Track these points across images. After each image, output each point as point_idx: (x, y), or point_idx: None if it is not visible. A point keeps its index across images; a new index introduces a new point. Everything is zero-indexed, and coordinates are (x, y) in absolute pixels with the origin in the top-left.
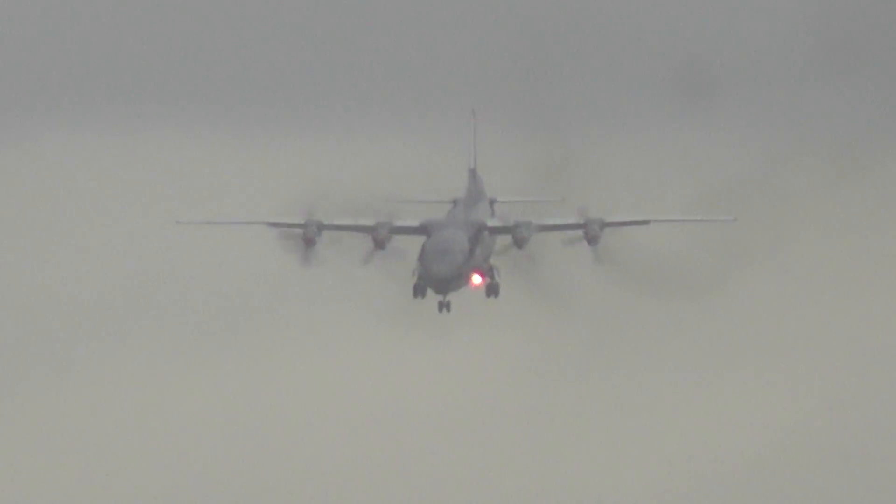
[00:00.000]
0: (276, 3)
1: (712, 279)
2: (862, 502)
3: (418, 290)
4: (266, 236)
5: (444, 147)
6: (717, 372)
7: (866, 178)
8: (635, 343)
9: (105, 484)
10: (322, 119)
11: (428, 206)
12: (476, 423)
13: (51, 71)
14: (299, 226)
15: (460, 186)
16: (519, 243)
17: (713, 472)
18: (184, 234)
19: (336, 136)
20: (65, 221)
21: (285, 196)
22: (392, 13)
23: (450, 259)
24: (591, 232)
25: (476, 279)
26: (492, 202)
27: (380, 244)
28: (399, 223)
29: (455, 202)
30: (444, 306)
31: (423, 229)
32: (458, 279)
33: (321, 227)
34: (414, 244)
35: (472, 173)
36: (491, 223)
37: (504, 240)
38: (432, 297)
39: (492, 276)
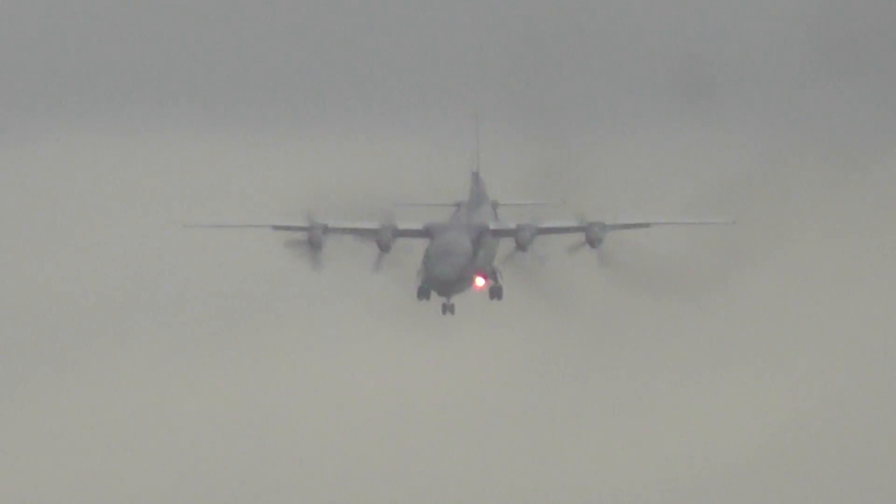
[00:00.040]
0: (281, 8)
1: (712, 280)
2: (859, 500)
3: (422, 293)
4: (271, 239)
5: (448, 150)
6: (717, 372)
7: (865, 180)
8: (636, 344)
9: (117, 482)
10: (326, 123)
11: (431, 209)
12: (479, 423)
13: (57, 73)
14: (304, 229)
15: (463, 189)
16: (521, 246)
17: (713, 470)
18: (190, 237)
19: (340, 140)
20: (71, 224)
21: (290, 199)
22: (396, 20)
23: (453, 262)
24: (592, 235)
25: (479, 281)
26: (494, 205)
27: (384, 247)
28: (403, 226)
29: (458, 205)
30: (447, 308)
31: (426, 232)
32: (461, 281)
33: (326, 231)
34: (417, 247)
35: (475, 176)
36: (494, 226)
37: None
38: (436, 300)
39: (495, 279)
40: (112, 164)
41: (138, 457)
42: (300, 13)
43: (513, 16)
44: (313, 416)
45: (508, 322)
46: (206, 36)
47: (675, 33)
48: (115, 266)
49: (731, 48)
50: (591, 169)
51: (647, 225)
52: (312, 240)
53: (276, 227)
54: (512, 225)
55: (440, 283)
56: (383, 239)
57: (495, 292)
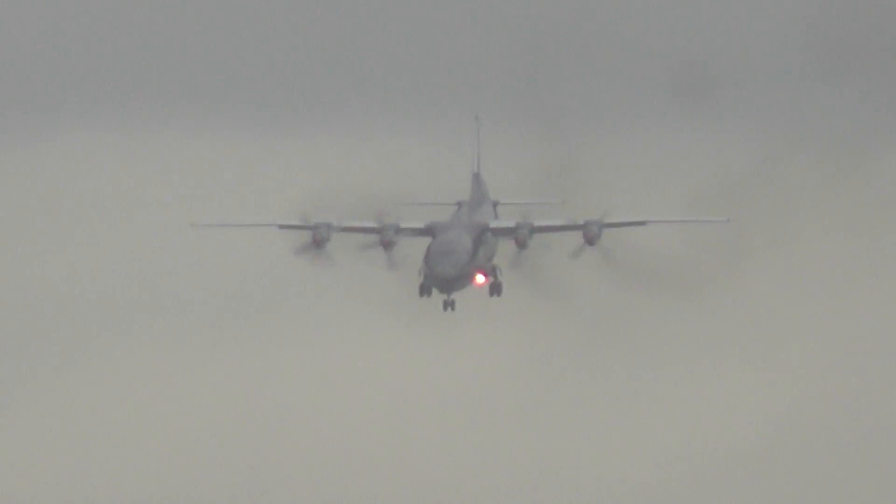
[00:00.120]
0: (288, 11)
1: (707, 278)
2: (852, 491)
3: (424, 290)
4: (277, 238)
5: (449, 151)
6: (712, 367)
7: (859, 179)
8: (633, 339)
9: (127, 475)
10: (331, 124)
11: (433, 208)
12: (479, 417)
13: (64, 74)
14: (309, 228)
15: (464, 189)
16: (521, 244)
17: (709, 463)
18: (197, 236)
19: (344, 141)
20: (79, 223)
21: (296, 199)
22: (399, 24)
23: (454, 259)
24: (590, 233)
25: (479, 279)
26: (495, 204)
27: (387, 245)
28: (405, 225)
29: (459, 204)
30: (448, 305)
31: (428, 231)
32: (462, 279)
33: (330, 230)
34: (420, 245)
35: (476, 176)
36: (494, 225)
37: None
38: (438, 296)
39: (495, 276)
40: (120, 164)
41: (147, 451)
42: (307, 16)
43: (513, 18)
44: (318, 410)
45: (508, 318)
46: (214, 38)
47: (671, 34)
48: (123, 265)
49: (727, 48)
50: (590, 169)
51: (643, 223)
52: (316, 239)
53: (282, 227)
54: (511, 224)
55: (441, 281)
56: (386, 238)
57: (495, 289)
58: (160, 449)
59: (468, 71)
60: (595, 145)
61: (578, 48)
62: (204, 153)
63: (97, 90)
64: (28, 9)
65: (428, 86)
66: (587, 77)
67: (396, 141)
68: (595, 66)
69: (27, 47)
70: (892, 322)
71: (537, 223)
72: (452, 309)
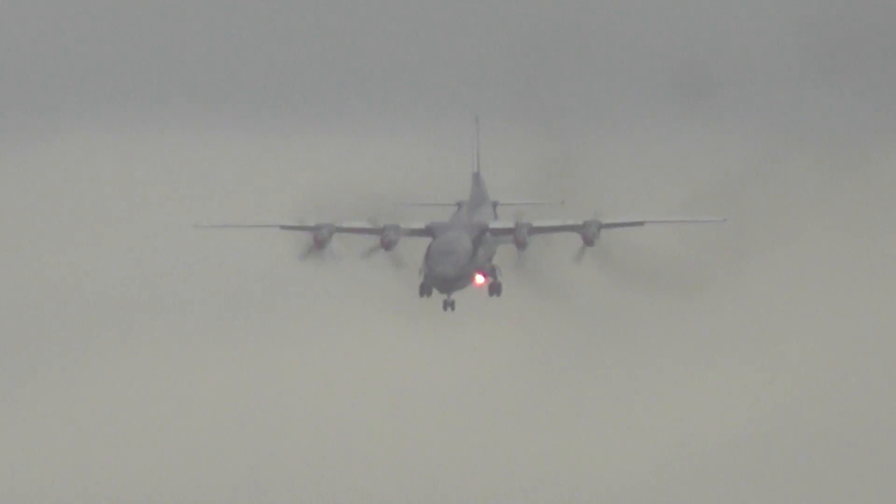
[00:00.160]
0: (286, 11)
1: (704, 277)
2: (853, 491)
3: (424, 290)
4: (279, 239)
5: (449, 152)
6: (711, 365)
7: (857, 179)
8: (630, 338)
9: (133, 474)
10: (331, 125)
11: (433, 208)
12: (479, 415)
13: (67, 75)
14: (311, 229)
15: (464, 190)
16: (520, 244)
17: (707, 460)
18: (201, 237)
19: (344, 142)
20: (84, 223)
21: (298, 200)
22: (400, 25)
23: (454, 260)
24: (588, 233)
25: (479, 279)
26: (494, 205)
27: (387, 245)
28: (406, 225)
29: (459, 205)
30: (448, 304)
31: (428, 231)
32: (461, 279)
33: (332, 230)
34: (420, 245)
35: (476, 177)
36: (493, 225)
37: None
38: (437, 296)
39: (494, 276)
40: (122, 164)
41: (152, 451)
42: (307, 16)
43: (513, 18)
44: (319, 409)
45: (507, 317)
46: (214, 38)
47: (671, 34)
48: (126, 265)
49: (726, 49)
50: (588, 170)
51: (641, 223)
52: (318, 239)
53: (285, 227)
54: (511, 224)
55: (441, 281)
56: (387, 238)
57: (494, 289)
58: (164, 449)
59: (468, 71)
60: (594, 145)
61: (578, 48)
62: (205, 154)
63: (98, 90)
64: (28, 9)
65: (428, 86)
66: (587, 77)
67: (397, 141)
68: (595, 65)
69: (27, 47)
70: (889, 321)
71: (536, 223)
72: (452, 309)
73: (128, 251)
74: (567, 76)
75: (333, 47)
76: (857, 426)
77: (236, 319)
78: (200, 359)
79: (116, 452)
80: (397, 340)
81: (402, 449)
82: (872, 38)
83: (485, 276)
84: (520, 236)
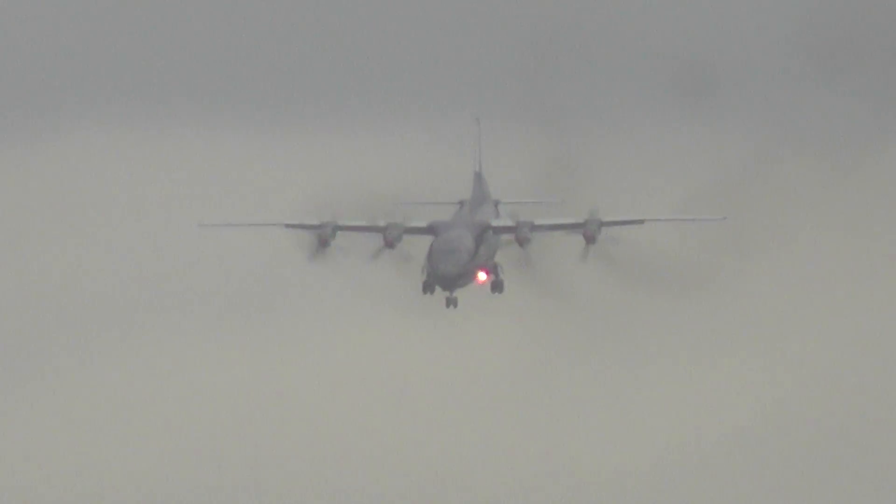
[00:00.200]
0: (286, 11)
1: (704, 275)
2: (853, 488)
3: (427, 287)
4: (284, 237)
5: (451, 151)
6: (708, 362)
7: (856, 178)
8: (632, 336)
9: (136, 473)
10: (333, 125)
11: (435, 207)
12: (481, 412)
13: (72, 74)
14: (315, 227)
15: (466, 188)
16: (521, 242)
17: (707, 458)
18: (205, 235)
19: (346, 141)
20: (88, 222)
21: (302, 199)
22: (401, 25)
23: (456, 258)
24: (589, 231)
25: (481, 276)
26: (496, 203)
27: (390, 244)
28: (408, 224)
29: (461, 203)
30: (451, 302)
31: (431, 229)
32: (464, 276)
33: (335, 229)
34: (422, 244)
35: (478, 176)
36: (495, 223)
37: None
38: (440, 294)
39: (496, 274)
40: (125, 164)
41: (157, 450)
42: (307, 16)
43: (513, 18)
44: (323, 405)
45: (509, 315)
46: (215, 38)
47: (671, 34)
48: (130, 264)
49: (726, 49)
50: (589, 169)
51: (641, 221)
52: (321, 238)
53: (289, 226)
54: (512, 222)
55: (444, 278)
56: (390, 236)
57: (497, 286)
58: (170, 448)
59: (470, 71)
60: (594, 145)
61: (579, 48)
62: (207, 153)
63: (99, 90)
64: (28, 9)
65: (430, 86)
66: (587, 77)
67: (399, 141)
68: (595, 65)
69: (28, 47)
70: (888, 320)
71: (537, 222)
72: (455, 306)
73: (132, 250)
74: (567, 76)
75: (333, 46)
76: (857, 424)
77: (240, 318)
78: (204, 357)
79: (121, 451)
80: (400, 338)
81: (405, 445)
82: (872, 38)
83: (487, 273)
84: (521, 234)
